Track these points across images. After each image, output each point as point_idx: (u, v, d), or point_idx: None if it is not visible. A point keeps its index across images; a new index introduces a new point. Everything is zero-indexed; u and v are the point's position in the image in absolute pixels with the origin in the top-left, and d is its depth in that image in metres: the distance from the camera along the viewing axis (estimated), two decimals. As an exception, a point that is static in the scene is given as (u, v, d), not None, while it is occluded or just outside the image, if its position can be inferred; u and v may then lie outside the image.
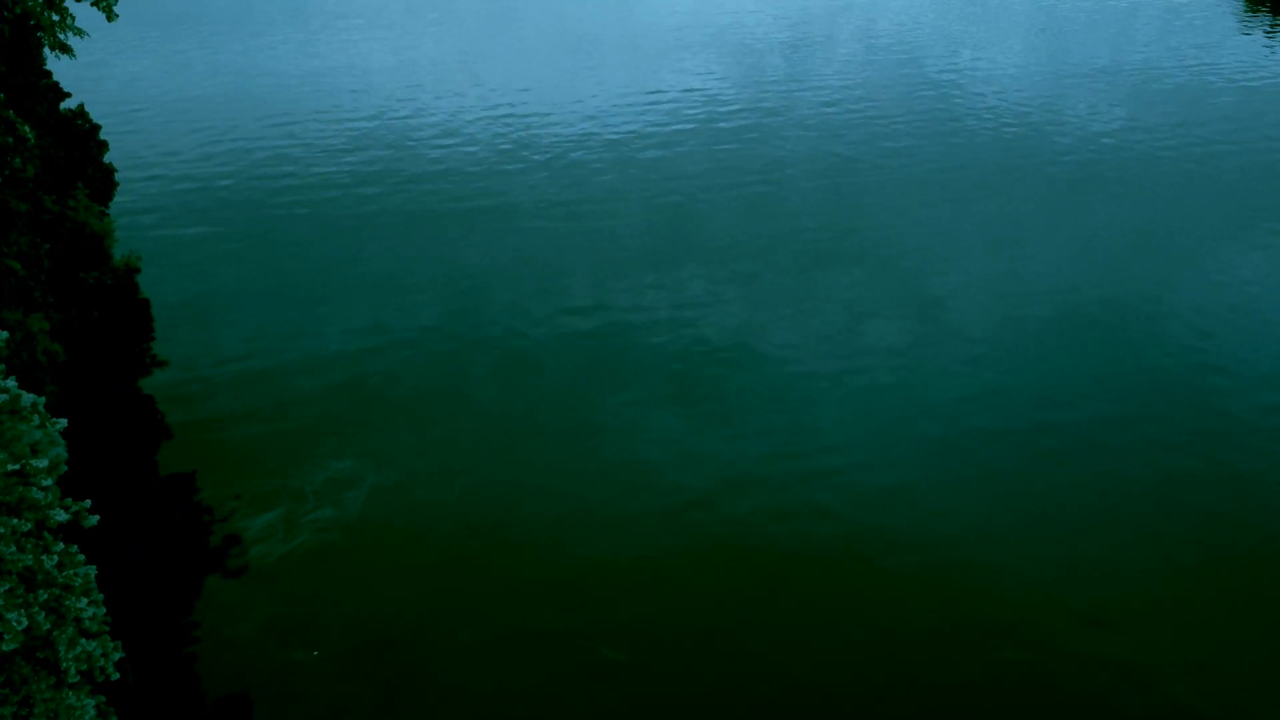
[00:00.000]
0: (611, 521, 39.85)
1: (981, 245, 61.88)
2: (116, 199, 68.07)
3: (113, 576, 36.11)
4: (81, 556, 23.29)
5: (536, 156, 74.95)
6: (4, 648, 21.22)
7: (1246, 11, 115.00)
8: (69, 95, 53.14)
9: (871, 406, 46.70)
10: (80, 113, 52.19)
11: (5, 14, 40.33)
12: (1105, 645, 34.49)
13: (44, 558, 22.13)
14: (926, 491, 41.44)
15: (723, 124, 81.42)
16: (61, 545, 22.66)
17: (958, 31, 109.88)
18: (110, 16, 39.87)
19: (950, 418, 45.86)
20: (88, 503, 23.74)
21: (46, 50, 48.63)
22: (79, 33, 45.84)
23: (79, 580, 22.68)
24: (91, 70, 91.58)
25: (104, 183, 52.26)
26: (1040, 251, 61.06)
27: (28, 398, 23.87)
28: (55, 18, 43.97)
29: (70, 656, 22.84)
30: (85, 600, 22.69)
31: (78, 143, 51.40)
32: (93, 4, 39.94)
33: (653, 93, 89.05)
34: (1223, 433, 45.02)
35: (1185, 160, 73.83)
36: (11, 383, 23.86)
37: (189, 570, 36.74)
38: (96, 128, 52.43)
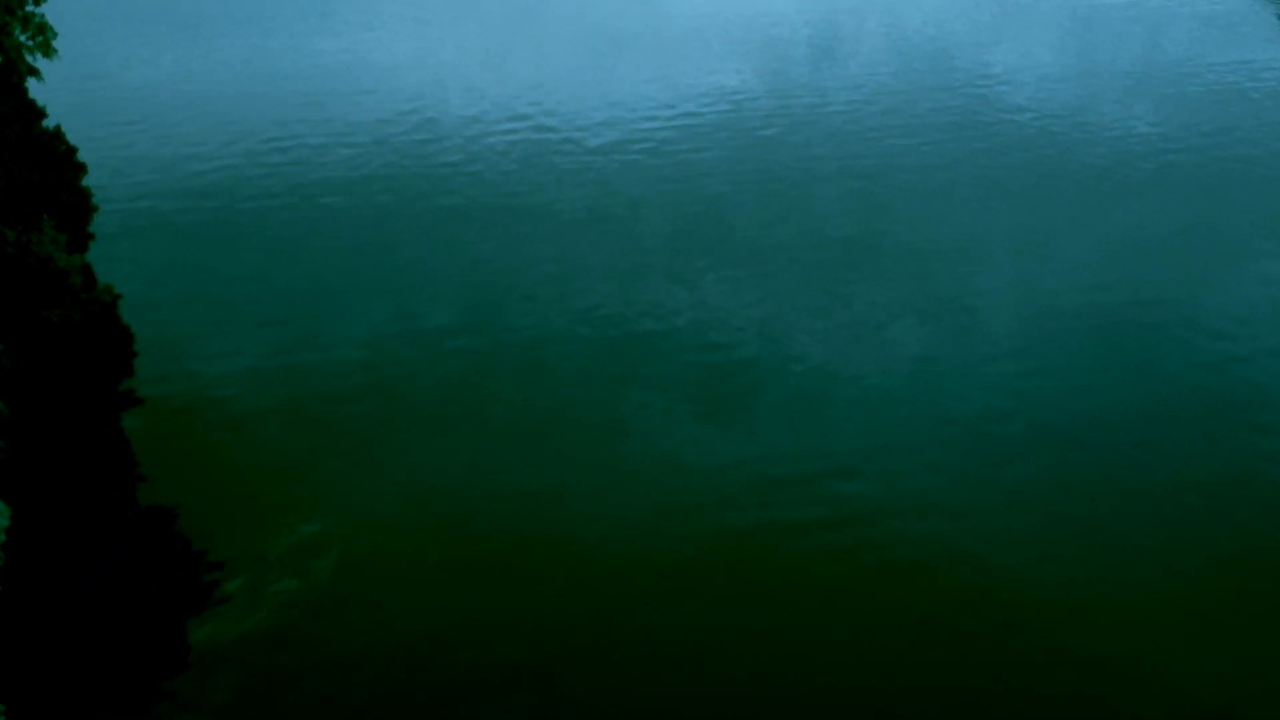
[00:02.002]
0: (629, 525, 39.07)
1: (1009, 248, 60.54)
2: (119, 208, 66.53)
3: (71, 624, 33.90)
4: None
5: (558, 155, 73.72)
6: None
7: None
8: (45, 115, 50.65)
9: (894, 408, 45.76)
10: (57, 134, 49.68)
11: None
12: (1129, 649, 33.75)
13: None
14: (948, 494, 40.56)
15: (747, 124, 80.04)
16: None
17: (988, 33, 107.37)
18: (49, 54, 37.38)
19: (973, 421, 44.89)
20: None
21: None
22: (48, 54, 43.49)
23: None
24: (104, 67, 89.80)
25: (80, 208, 49.70)
26: (1068, 255, 59.62)
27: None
28: (24, 38, 41.55)
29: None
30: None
31: (52, 166, 48.86)
32: (29, 39, 37.35)
33: (676, 92, 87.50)
34: (1252, 441, 43.76)
35: (1217, 165, 72.00)
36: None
37: (141, 643, 34.12)
38: (73, 150, 49.88)
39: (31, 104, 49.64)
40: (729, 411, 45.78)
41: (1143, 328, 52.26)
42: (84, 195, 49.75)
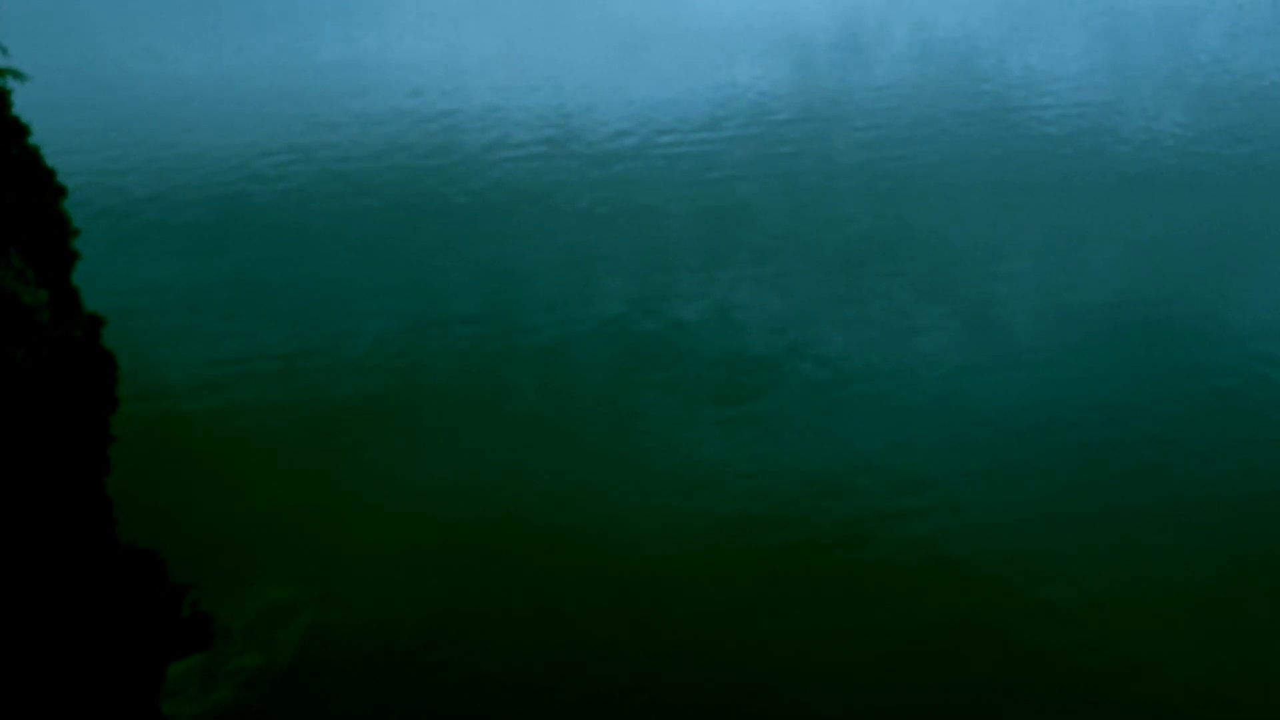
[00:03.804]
0: (645, 524, 38.68)
1: (1035, 249, 59.34)
2: (119, 212, 65.26)
3: (42, 659, 32.46)
4: None
5: (580, 153, 72.71)
6: None
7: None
8: (29, 132, 48.80)
9: (916, 411, 45.11)
10: (35, 155, 47.85)
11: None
12: (1149, 650, 33.26)
13: None
14: (970, 499, 39.88)
15: (771, 123, 78.90)
16: None
17: (1014, 33, 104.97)
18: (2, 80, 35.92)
19: (997, 425, 44.11)
20: None
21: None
22: (19, 76, 41.92)
23: None
24: (109, 74, 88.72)
25: (58, 233, 47.87)
26: (1096, 257, 58.52)
27: None
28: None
29: None
30: None
31: (31, 189, 47.03)
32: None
33: (699, 90, 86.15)
34: (1277, 444, 42.86)
35: (1249, 167, 70.12)
36: None
37: (118, 675, 32.65)
38: (51, 172, 48.05)
39: (14, 122, 47.81)
40: (749, 410, 45.15)
41: (1170, 329, 51.32)
42: (63, 220, 47.95)
